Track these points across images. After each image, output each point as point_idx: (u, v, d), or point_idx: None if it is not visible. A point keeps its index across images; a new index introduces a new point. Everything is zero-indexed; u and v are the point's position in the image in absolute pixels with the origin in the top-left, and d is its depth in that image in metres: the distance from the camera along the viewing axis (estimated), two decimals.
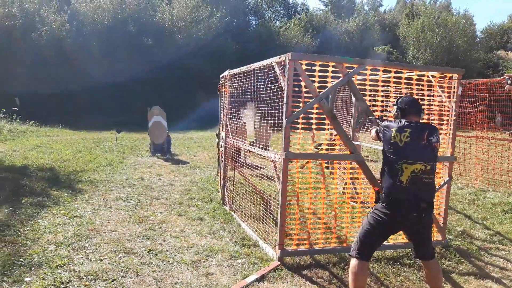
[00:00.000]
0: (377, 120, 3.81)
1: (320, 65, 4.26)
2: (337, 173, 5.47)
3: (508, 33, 43.18)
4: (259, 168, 7.97)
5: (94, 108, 23.68)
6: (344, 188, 6.56)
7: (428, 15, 35.14)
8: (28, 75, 22.05)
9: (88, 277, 3.80)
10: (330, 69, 4.28)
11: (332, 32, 35.31)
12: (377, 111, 4.59)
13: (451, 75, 4.72)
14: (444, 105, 4.79)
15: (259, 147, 5.47)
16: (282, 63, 4.17)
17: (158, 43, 26.80)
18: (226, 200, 6.31)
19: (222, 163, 6.85)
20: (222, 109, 7.49)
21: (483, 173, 8.45)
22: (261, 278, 3.86)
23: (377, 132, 3.54)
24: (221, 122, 7.46)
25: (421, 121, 3.37)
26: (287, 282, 3.85)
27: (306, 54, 4.13)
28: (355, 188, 6.24)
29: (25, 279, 3.70)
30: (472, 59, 33.33)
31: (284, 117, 4.08)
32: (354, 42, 35.34)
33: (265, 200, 5.87)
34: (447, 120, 4.80)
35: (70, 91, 23.00)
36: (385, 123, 3.38)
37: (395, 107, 3.42)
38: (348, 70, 4.23)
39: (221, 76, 8.28)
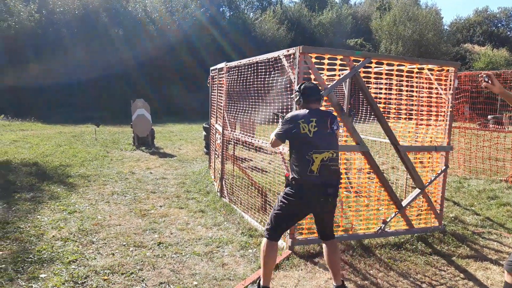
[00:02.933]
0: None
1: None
2: None
3: (474, 26, 44.79)
4: (247, 161, 8.05)
5: (65, 102, 22.96)
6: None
7: (399, 8, 35.98)
8: None
9: (105, 271, 3.78)
10: (338, 62, 4.40)
11: (307, 25, 35.54)
12: (381, 103, 4.74)
13: (448, 68, 4.92)
14: (441, 97, 4.99)
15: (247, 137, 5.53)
16: (292, 56, 4.24)
17: (131, 35, 26.15)
18: (225, 192, 6.34)
19: (219, 156, 6.86)
20: (215, 101, 7.48)
21: (465, 162, 8.85)
22: (276, 267, 3.95)
23: (277, 134, 3.39)
24: (216, 115, 7.44)
25: (320, 108, 3.49)
26: (301, 270, 3.96)
27: (316, 47, 4.21)
28: (348, 178, 6.42)
29: (40, 276, 3.65)
30: (441, 52, 34.43)
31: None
32: (328, 35, 35.70)
33: (261, 192, 5.96)
34: (444, 112, 5.01)
35: (40, 84, 22.22)
36: (289, 114, 3.38)
37: (297, 93, 3.44)
38: (355, 63, 4.35)
39: (211, 68, 8.25)
